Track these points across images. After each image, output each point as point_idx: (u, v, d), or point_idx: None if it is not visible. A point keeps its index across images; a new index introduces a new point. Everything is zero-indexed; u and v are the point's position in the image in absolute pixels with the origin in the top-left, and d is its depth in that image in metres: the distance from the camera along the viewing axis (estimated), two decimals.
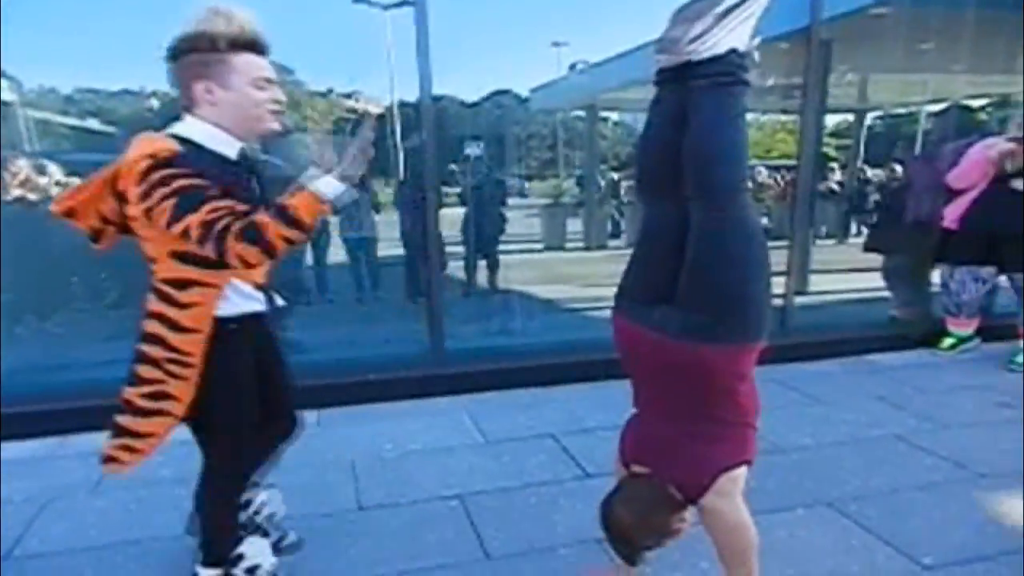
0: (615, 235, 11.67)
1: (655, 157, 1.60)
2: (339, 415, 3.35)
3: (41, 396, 3.30)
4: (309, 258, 6.06)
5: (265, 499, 2.08)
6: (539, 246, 10.64)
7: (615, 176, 12.98)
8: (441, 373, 3.72)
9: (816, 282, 6.18)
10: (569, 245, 10.96)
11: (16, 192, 4.29)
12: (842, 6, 5.33)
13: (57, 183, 4.46)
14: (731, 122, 1.48)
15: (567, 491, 2.56)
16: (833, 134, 17.00)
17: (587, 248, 10.78)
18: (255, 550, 1.91)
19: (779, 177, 10.68)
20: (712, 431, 1.60)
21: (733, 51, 1.45)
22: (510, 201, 8.19)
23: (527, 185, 17.72)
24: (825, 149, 13.16)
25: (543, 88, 13.10)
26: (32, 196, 4.33)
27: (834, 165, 12.07)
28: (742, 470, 1.60)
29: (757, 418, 1.66)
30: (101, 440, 1.72)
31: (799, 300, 4.52)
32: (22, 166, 4.39)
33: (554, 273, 8.08)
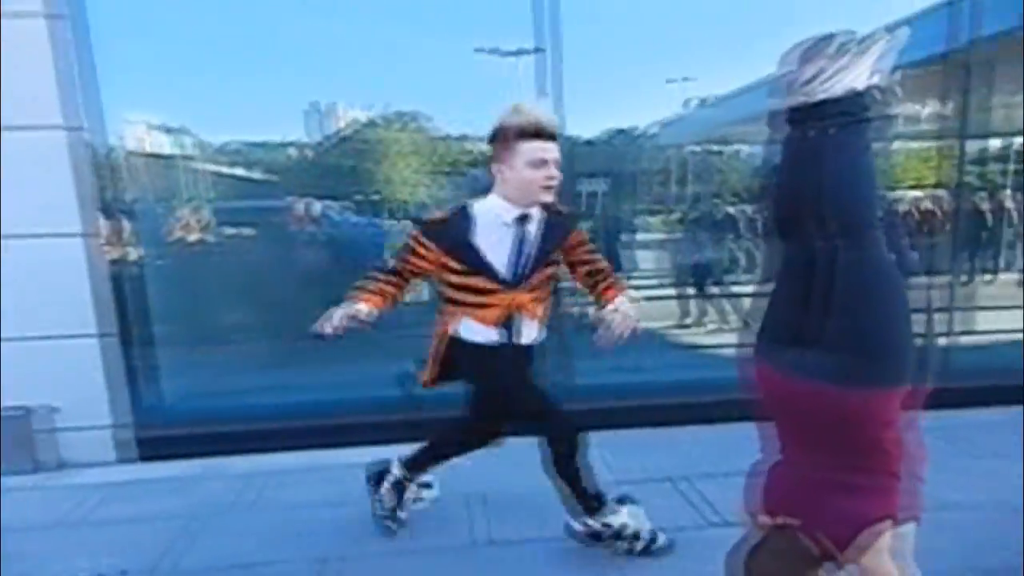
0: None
1: (781, 199, 1.56)
2: None
3: (189, 420, 3.65)
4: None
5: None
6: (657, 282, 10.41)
7: (735, 211, 12.44)
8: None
9: (981, 320, 5.52)
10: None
11: (178, 234, 4.92)
12: (991, 28, 4.90)
13: (206, 227, 5.07)
14: (854, 162, 1.40)
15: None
16: (997, 159, 15.29)
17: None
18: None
19: (936, 207, 9.71)
20: (854, 481, 1.47)
21: (853, 91, 1.37)
22: (634, 237, 8.16)
23: (650, 220, 17.42)
24: (991, 176, 11.86)
25: (666, 124, 12.94)
26: (190, 238, 4.95)
27: (1007, 193, 10.78)
28: (887, 524, 1.46)
29: (909, 468, 1.51)
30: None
31: (964, 340, 4.07)
32: (185, 213, 5.04)
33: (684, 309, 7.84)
